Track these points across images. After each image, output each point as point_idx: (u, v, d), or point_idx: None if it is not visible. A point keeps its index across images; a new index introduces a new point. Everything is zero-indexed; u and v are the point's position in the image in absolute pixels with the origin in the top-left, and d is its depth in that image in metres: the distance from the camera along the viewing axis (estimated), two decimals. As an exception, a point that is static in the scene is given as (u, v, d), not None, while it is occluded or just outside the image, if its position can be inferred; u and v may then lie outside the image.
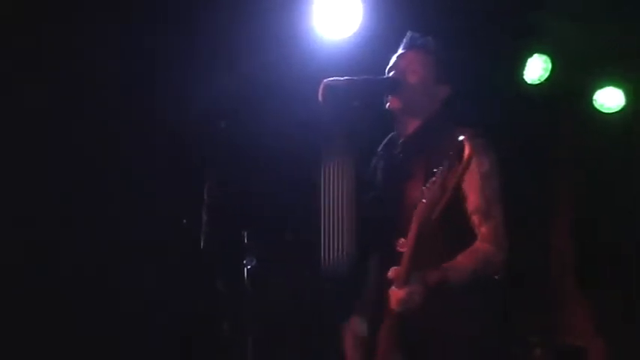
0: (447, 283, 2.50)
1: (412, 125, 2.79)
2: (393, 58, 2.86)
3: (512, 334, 4.24)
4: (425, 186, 2.36)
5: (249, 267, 3.67)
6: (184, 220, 3.71)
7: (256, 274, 3.62)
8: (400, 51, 2.86)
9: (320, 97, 2.67)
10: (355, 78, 2.72)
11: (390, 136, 2.89)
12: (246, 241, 3.72)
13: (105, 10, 3.67)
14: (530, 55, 4.53)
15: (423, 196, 2.37)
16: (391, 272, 2.47)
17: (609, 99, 4.79)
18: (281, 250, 3.81)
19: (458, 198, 2.51)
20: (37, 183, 3.61)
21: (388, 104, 2.78)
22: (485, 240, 2.59)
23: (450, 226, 2.47)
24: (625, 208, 4.75)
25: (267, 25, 3.85)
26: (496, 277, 2.71)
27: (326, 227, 2.97)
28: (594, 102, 4.79)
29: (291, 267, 3.91)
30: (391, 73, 2.81)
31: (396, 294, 2.46)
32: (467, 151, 2.20)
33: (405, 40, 2.87)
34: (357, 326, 2.83)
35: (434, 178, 2.31)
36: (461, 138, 2.21)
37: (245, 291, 3.65)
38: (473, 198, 2.59)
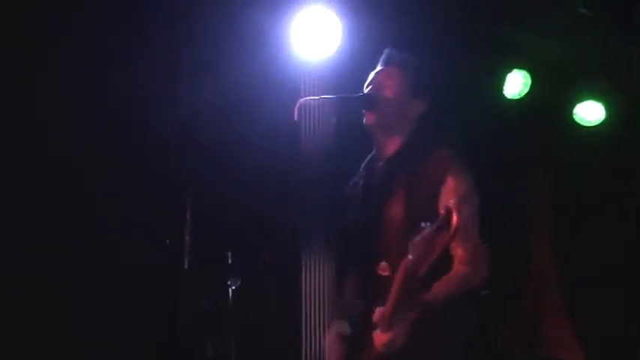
0: (429, 313, 2.53)
1: (391, 145, 2.81)
2: (371, 75, 2.90)
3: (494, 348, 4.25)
4: (413, 240, 2.37)
5: (233, 287, 3.68)
6: (167, 241, 3.72)
7: (240, 293, 3.64)
8: (378, 67, 2.90)
9: (295, 116, 2.71)
10: (330, 96, 2.75)
11: (370, 155, 2.91)
12: (230, 261, 3.74)
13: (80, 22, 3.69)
14: (510, 70, 4.57)
15: (408, 251, 2.39)
16: (376, 315, 2.51)
17: (589, 113, 4.81)
18: (262, 270, 3.82)
19: None
20: (7, 206, 3.61)
21: (364, 120, 2.81)
22: (461, 262, 2.61)
23: (434, 269, 2.49)
24: (605, 222, 4.77)
25: (247, 45, 3.88)
26: (481, 292, 2.73)
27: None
28: (574, 116, 4.81)
29: (272, 287, 3.92)
30: (368, 89, 2.85)
31: (380, 338, 2.50)
32: (454, 221, 2.23)
33: (382, 57, 2.91)
34: (339, 327, 2.85)
35: (421, 236, 2.33)
36: (450, 203, 2.26)
37: (229, 311, 3.66)
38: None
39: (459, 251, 2.60)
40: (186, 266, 3.59)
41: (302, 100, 2.71)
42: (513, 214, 4.66)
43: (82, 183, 3.81)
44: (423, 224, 2.34)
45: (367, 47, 3.92)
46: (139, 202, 3.87)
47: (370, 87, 2.85)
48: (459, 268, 2.60)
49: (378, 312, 2.50)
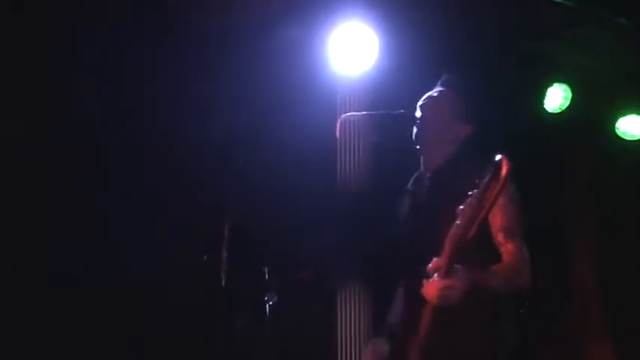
0: (484, 286, 2.52)
1: (435, 160, 2.85)
2: (426, 95, 2.92)
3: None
4: (459, 208, 2.34)
5: (270, 303, 3.66)
6: (205, 257, 3.71)
7: (277, 310, 3.62)
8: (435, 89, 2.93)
9: (337, 132, 2.71)
10: (372, 112, 2.75)
11: (417, 172, 2.94)
12: (267, 277, 3.72)
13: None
14: (550, 84, 4.51)
15: (456, 218, 2.36)
16: (432, 265, 2.44)
17: (632, 126, 4.74)
18: (299, 287, 3.80)
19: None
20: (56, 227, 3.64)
21: (413, 141, 2.84)
22: (511, 255, 2.64)
23: (482, 247, 2.50)
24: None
25: (285, 62, 3.88)
26: (521, 310, 2.70)
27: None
28: (616, 130, 4.73)
29: (308, 304, 3.90)
30: (418, 111, 2.87)
31: (436, 284, 2.42)
32: (504, 169, 2.18)
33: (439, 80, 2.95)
34: (378, 344, 2.85)
35: (469, 200, 2.30)
36: (498, 157, 2.19)
37: (266, 327, 3.64)
38: (498, 217, 2.65)
39: (508, 246, 2.65)
40: (223, 283, 3.58)
41: (344, 115, 2.71)
42: (555, 235, 4.59)
43: (121, 199, 3.84)
44: (470, 192, 2.29)
45: (404, 63, 3.92)
46: (177, 219, 3.87)
47: (419, 107, 2.87)
48: (509, 259, 2.64)
49: (435, 262, 2.43)
